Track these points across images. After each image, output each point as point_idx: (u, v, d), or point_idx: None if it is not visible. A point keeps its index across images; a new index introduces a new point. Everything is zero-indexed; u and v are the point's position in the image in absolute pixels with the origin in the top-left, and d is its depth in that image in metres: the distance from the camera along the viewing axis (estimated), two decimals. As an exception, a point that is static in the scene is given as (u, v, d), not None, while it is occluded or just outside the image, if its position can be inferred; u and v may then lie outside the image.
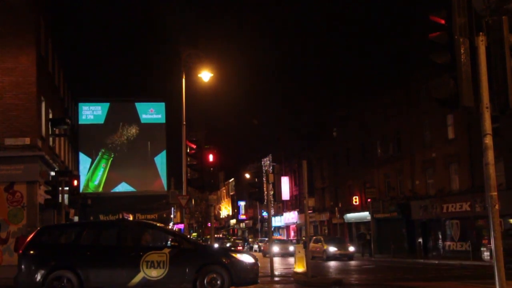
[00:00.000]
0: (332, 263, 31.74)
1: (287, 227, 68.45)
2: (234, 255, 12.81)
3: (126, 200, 41.99)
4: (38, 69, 21.35)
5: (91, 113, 43.11)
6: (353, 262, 33.04)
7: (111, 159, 42.83)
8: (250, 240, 66.75)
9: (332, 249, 36.05)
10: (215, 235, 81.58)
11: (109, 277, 12.04)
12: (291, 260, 32.70)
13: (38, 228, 14.80)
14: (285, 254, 42.27)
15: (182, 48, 24.86)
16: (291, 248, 41.71)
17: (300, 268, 19.66)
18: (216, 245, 25.04)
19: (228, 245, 49.82)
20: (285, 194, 57.35)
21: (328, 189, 55.11)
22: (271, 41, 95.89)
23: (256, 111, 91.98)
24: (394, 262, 31.62)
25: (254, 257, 13.02)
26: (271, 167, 61.39)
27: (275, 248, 43.27)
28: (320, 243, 37.42)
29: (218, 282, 12.05)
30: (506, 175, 29.71)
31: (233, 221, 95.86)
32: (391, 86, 42.52)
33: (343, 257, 35.74)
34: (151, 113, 44.14)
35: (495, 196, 7.72)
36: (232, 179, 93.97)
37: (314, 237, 40.16)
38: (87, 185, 41.70)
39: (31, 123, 20.82)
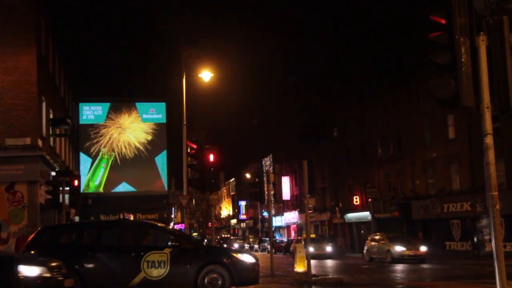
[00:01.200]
0: (399, 267, 26.00)
1: (287, 227, 68.50)
2: (235, 254, 12.81)
3: (127, 200, 41.98)
4: (38, 69, 21.38)
5: (92, 113, 43.15)
6: (425, 266, 26.80)
7: (112, 159, 42.85)
8: (266, 240, 65.54)
9: (399, 249, 29.95)
10: (221, 235, 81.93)
11: (110, 277, 12.05)
12: (329, 262, 30.83)
13: (39, 228, 14.80)
14: (321, 256, 37.03)
15: (182, 48, 24.91)
16: (329, 249, 39.28)
17: (300, 268, 19.67)
18: None
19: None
20: (286, 194, 57.30)
21: (328, 189, 55.11)
22: (271, 41, 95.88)
23: (256, 111, 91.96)
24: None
25: (255, 256, 13.03)
26: (271, 167, 61.44)
27: (310, 249, 40.87)
28: (381, 242, 31.85)
29: (219, 282, 12.05)
30: (507, 175, 29.69)
31: (233, 221, 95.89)
32: (391, 86, 42.47)
33: (412, 259, 29.33)
34: (152, 113, 44.19)
35: (495, 196, 7.71)
36: (233, 179, 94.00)
37: (371, 236, 34.88)
38: (87, 185, 41.73)
39: (32, 123, 20.84)
